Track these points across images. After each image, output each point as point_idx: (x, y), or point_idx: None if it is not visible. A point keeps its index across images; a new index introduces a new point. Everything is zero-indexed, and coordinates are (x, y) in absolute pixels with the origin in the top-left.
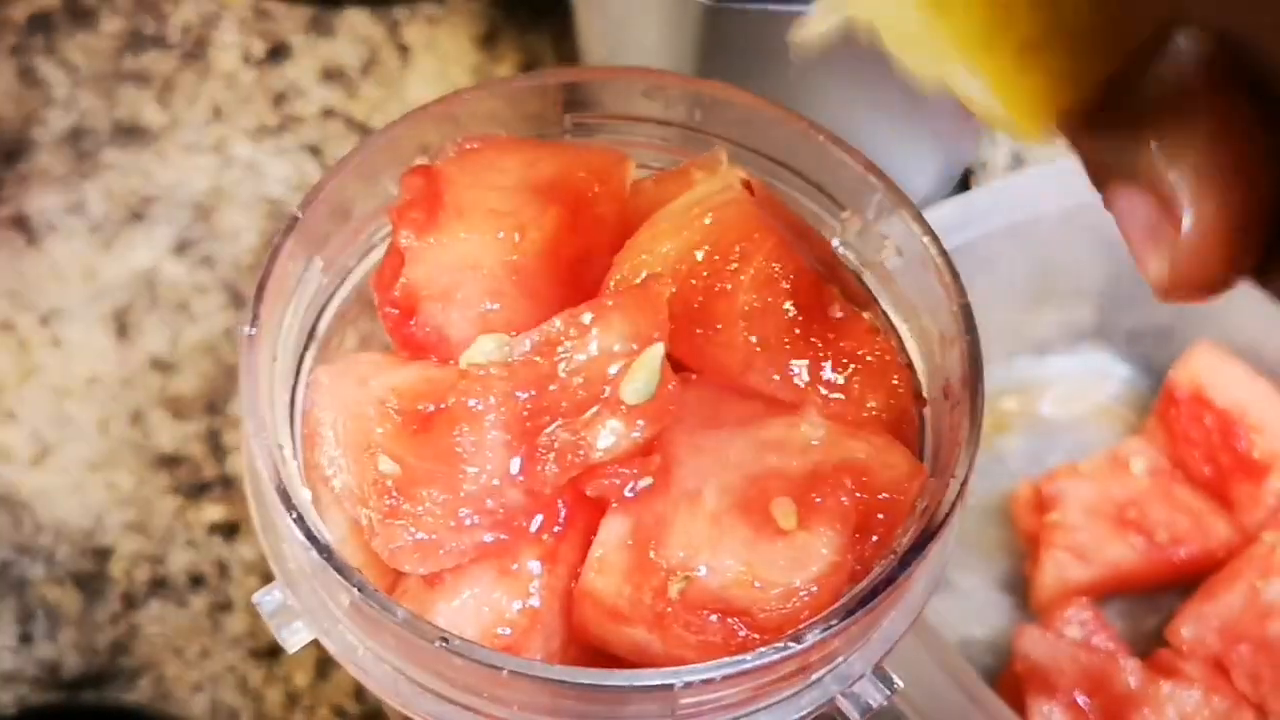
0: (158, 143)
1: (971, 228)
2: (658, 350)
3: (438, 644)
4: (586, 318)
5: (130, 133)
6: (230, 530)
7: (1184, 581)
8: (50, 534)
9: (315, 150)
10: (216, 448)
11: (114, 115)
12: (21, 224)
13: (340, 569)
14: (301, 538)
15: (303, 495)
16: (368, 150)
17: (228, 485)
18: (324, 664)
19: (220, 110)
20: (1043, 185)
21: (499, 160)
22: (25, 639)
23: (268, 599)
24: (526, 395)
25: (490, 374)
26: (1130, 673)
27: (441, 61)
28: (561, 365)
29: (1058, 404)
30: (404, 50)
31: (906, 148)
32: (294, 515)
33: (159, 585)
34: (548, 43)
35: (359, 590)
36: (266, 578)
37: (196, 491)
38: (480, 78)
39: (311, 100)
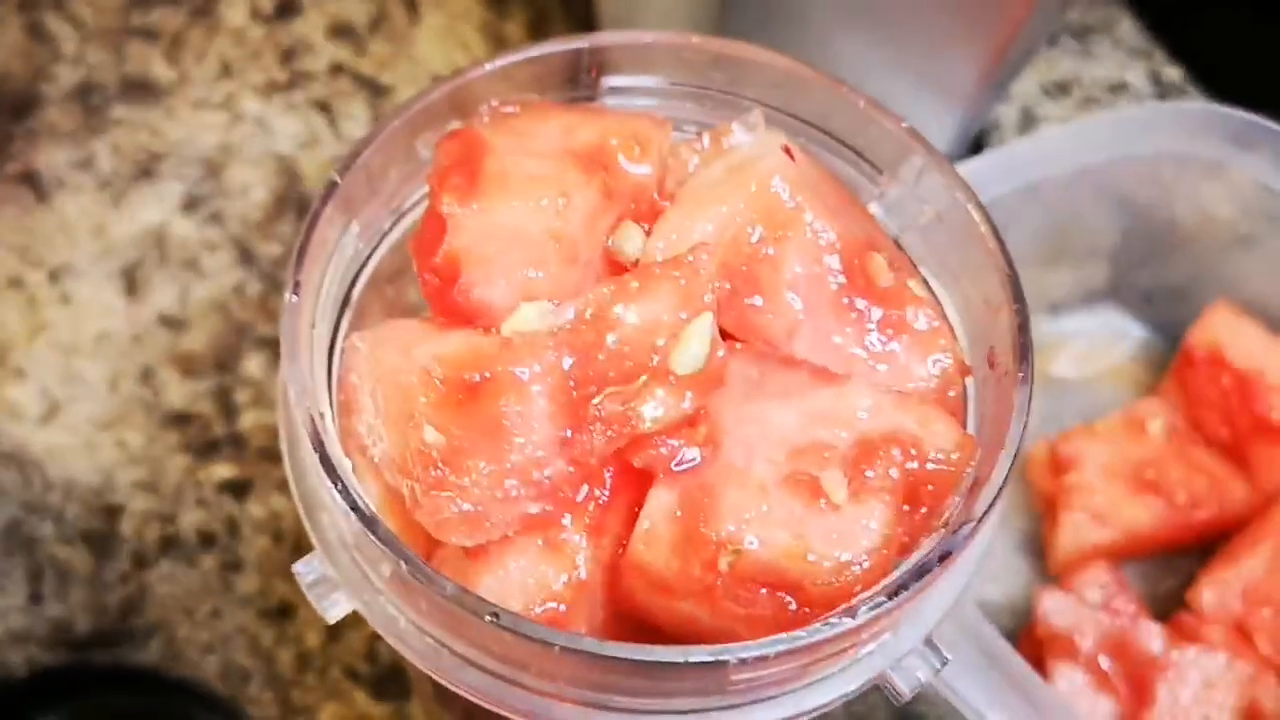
0: (167, 99)
1: (985, 189)
2: (707, 319)
3: (487, 619)
4: (634, 285)
5: (139, 88)
6: (241, 489)
7: (1201, 544)
8: (60, 492)
9: (324, 107)
10: (227, 406)
11: (123, 71)
12: (30, 180)
13: (385, 540)
14: (345, 507)
15: (345, 464)
16: (404, 114)
17: (238, 444)
18: (335, 625)
19: (229, 66)
20: (1056, 145)
21: (537, 126)
22: (35, 598)
23: (307, 569)
24: (573, 364)
25: (537, 342)
26: (1153, 637)
27: (450, 18)
28: (609, 334)
29: (1072, 364)
30: (413, 6)
31: (924, 107)
32: (338, 485)
33: (169, 544)
34: (556, 2)
35: (404, 563)
36: (277, 537)
37: (207, 450)
38: (489, 35)
39: (320, 56)
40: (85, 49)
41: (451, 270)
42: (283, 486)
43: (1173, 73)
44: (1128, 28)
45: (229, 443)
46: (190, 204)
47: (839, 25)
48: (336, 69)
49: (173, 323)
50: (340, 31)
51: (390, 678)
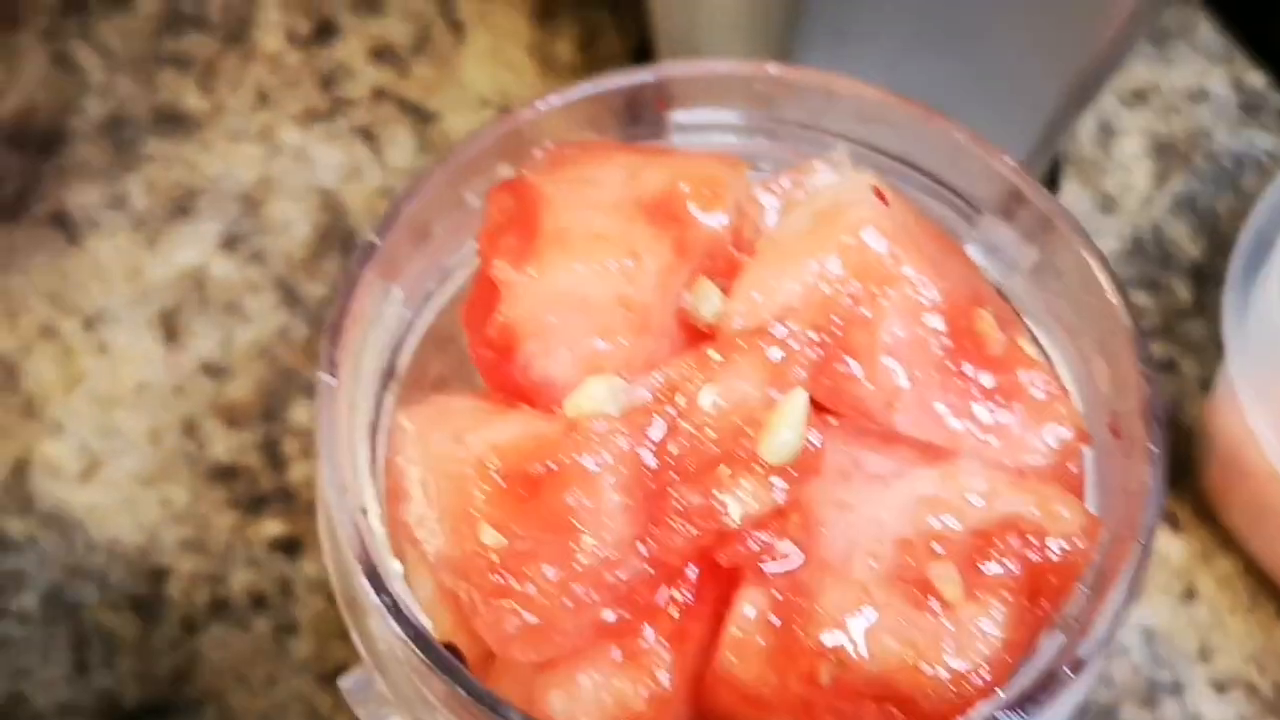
0: (201, 131)
1: None
2: (800, 399)
3: None
4: (717, 360)
5: (172, 120)
6: (292, 546)
7: None
8: (103, 554)
9: (367, 134)
10: (275, 457)
11: (154, 102)
12: (61, 221)
13: (441, 664)
14: (395, 628)
15: (393, 568)
16: (449, 166)
17: (288, 498)
18: None
19: (266, 95)
20: None
21: (597, 172)
22: (81, 668)
23: (355, 684)
24: (649, 451)
25: (606, 427)
26: None
27: (497, 38)
28: (688, 415)
29: None
30: (457, 27)
31: (1002, 125)
32: (385, 601)
33: (219, 607)
34: (608, 17)
35: (463, 688)
36: (331, 598)
37: (255, 505)
38: (538, 55)
39: (361, 81)
40: (114, 79)
41: (507, 343)
42: None
43: (1256, 78)
44: (1206, 31)
45: (278, 497)
46: (229, 242)
47: (915, 42)
48: (379, 94)
49: (215, 370)
50: (381, 54)
51: None
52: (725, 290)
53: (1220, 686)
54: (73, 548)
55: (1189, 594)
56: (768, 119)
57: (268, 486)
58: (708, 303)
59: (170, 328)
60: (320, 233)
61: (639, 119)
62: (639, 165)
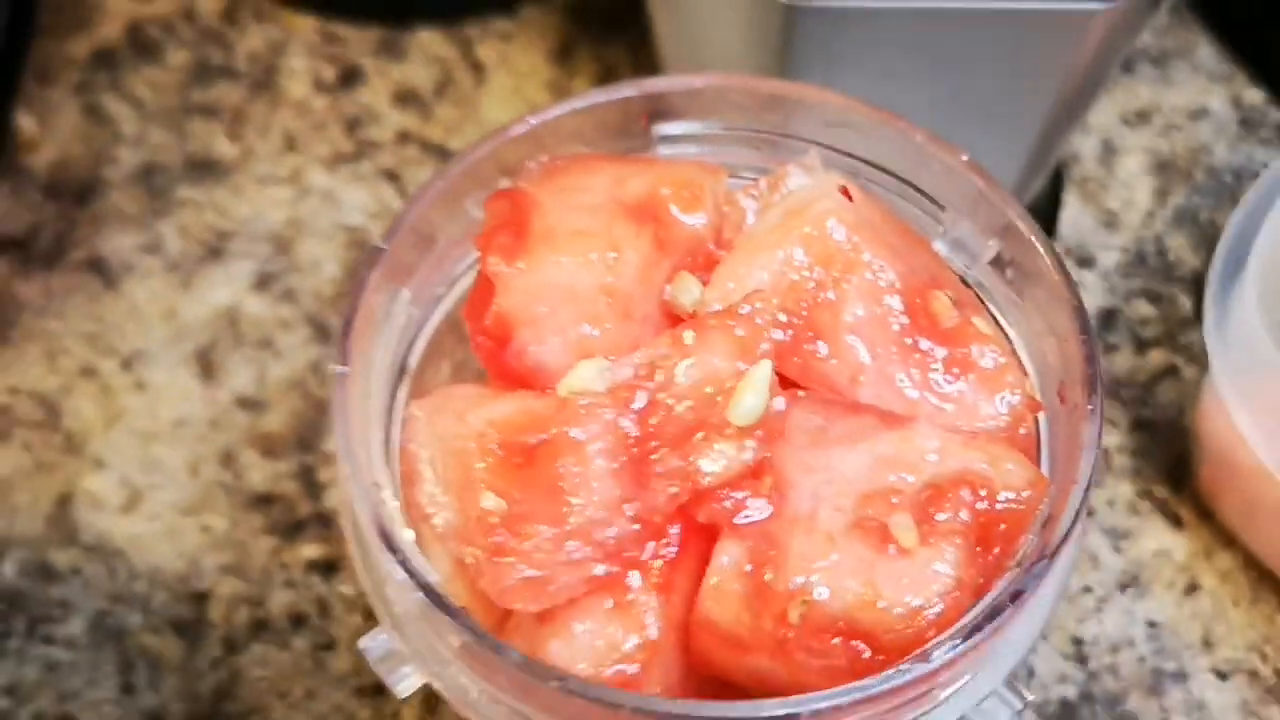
0: (232, 176)
1: None
2: (765, 369)
3: (555, 685)
4: (689, 338)
5: (203, 167)
6: (329, 568)
7: None
8: (145, 581)
9: (393, 176)
10: (310, 485)
11: (185, 150)
12: (97, 266)
13: (449, 611)
14: (407, 581)
15: (405, 536)
16: (448, 176)
17: (324, 522)
18: (432, 699)
19: (293, 139)
20: None
21: (585, 179)
22: (127, 689)
23: (374, 644)
24: (631, 422)
25: (592, 402)
26: None
27: (516, 78)
28: (666, 390)
29: None
30: (478, 69)
31: (993, 142)
32: (398, 558)
33: (260, 627)
34: (624, 55)
35: (470, 633)
36: (368, 615)
37: (292, 530)
38: (556, 93)
39: (386, 125)
40: (146, 129)
41: (503, 331)
42: None
43: (1254, 95)
44: (1206, 52)
45: (315, 522)
46: (261, 282)
47: (904, 70)
48: (403, 136)
49: (250, 404)
50: (405, 98)
51: None
52: (705, 284)
53: (1223, 675)
54: (116, 576)
55: (1191, 588)
56: (746, 129)
57: (304, 512)
58: (688, 293)
59: (206, 365)
60: (349, 270)
61: (626, 132)
62: (625, 173)
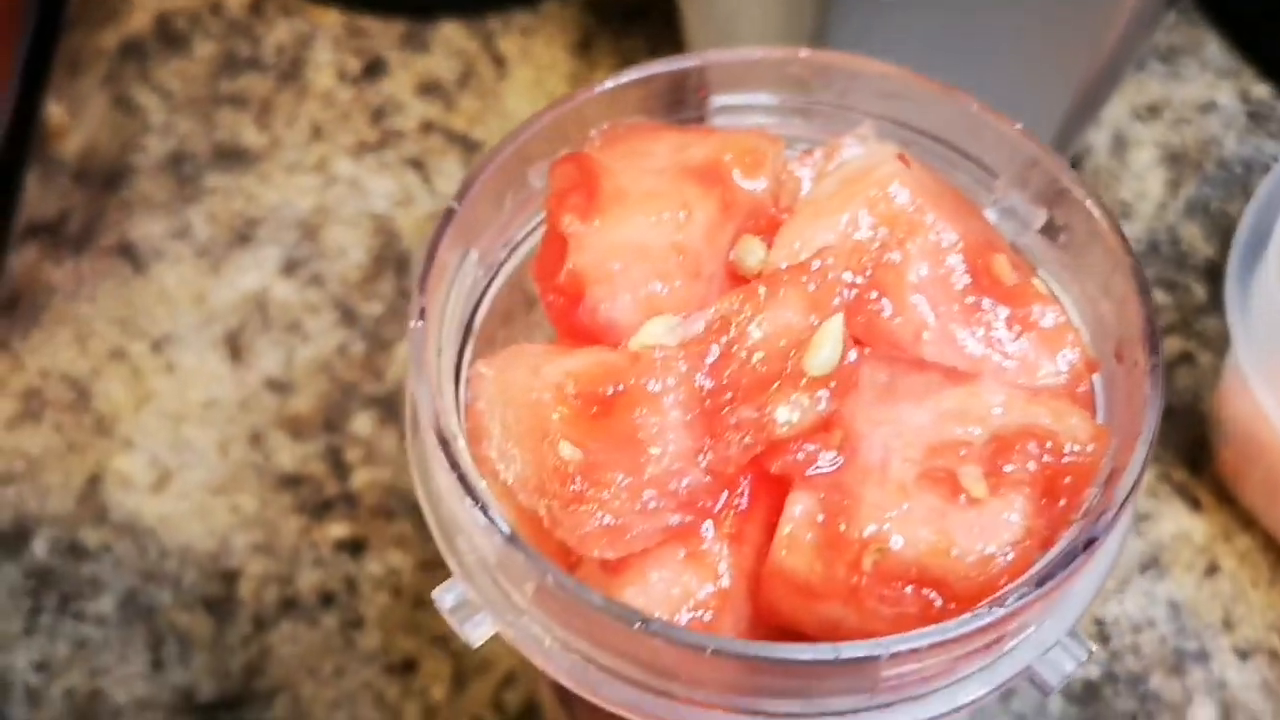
0: (259, 164)
1: None
2: (838, 321)
3: (637, 627)
4: (762, 292)
5: (231, 156)
6: (357, 547)
7: None
8: (176, 559)
9: (417, 164)
10: (338, 465)
11: (213, 139)
12: (127, 252)
13: (528, 554)
14: (485, 526)
15: (481, 483)
16: (517, 140)
17: (351, 503)
18: (460, 676)
19: (320, 129)
20: None
21: (648, 146)
22: (157, 665)
23: (447, 595)
24: (705, 374)
25: (667, 355)
26: None
27: (538, 71)
28: (740, 343)
29: None
30: (500, 61)
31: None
32: (477, 504)
33: (289, 605)
34: (643, 47)
35: (549, 575)
36: (396, 593)
37: (321, 510)
38: (577, 84)
39: (410, 115)
40: (174, 119)
41: (576, 289)
42: (400, 543)
43: (1262, 90)
44: (1215, 48)
45: (343, 502)
46: (289, 267)
47: (930, 59)
48: (427, 126)
49: (279, 386)
50: (428, 89)
51: None
52: (769, 247)
53: (1244, 654)
54: (146, 554)
55: (1212, 569)
56: (801, 101)
57: (332, 492)
58: (753, 255)
59: (235, 347)
60: (374, 256)
61: (683, 103)
62: (687, 141)
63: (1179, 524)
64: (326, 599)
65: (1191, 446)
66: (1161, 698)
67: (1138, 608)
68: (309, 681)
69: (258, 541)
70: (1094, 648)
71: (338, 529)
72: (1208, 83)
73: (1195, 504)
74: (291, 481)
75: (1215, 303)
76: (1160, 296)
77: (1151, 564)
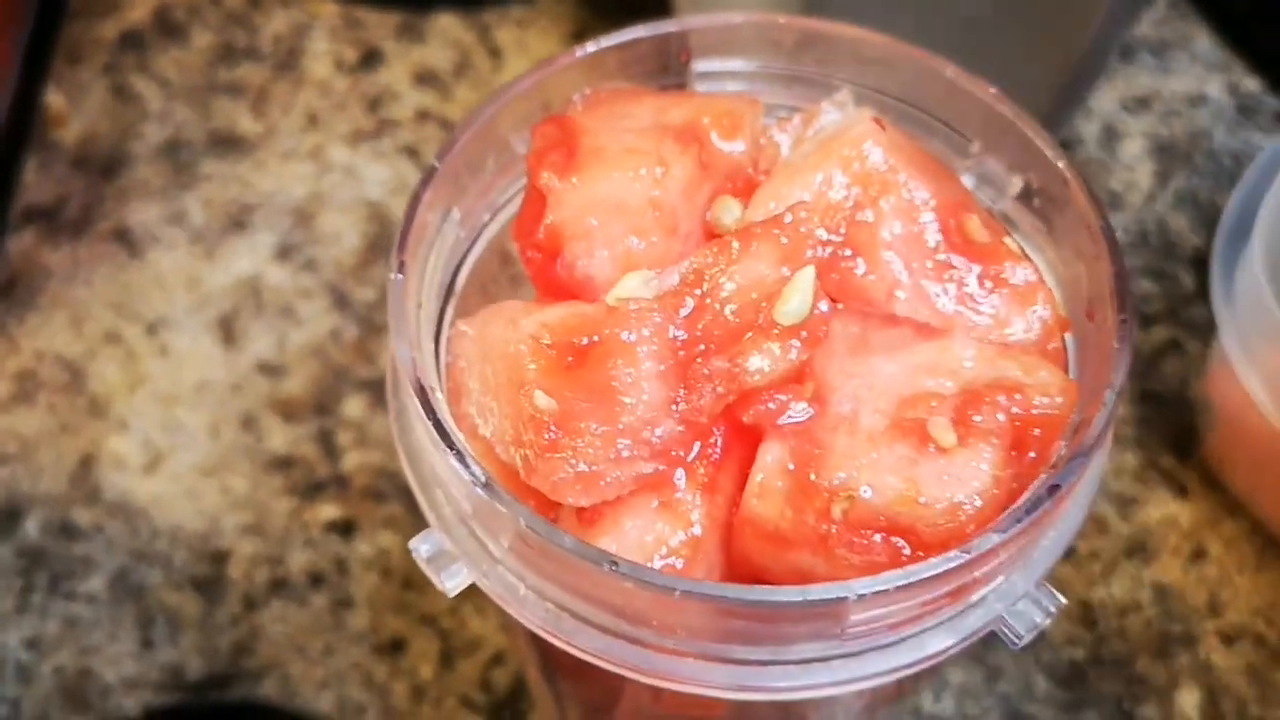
0: (255, 152)
1: None
2: (809, 272)
3: (608, 568)
4: (735, 245)
5: (227, 143)
6: (347, 528)
7: None
8: (166, 539)
9: (412, 152)
10: (329, 447)
11: (209, 127)
12: (123, 237)
13: (503, 500)
14: (462, 473)
15: (459, 435)
16: (498, 102)
17: (342, 484)
18: (448, 655)
19: (315, 117)
20: None
21: (629, 108)
22: (147, 644)
23: (424, 545)
24: (678, 325)
25: (641, 307)
26: None
27: (533, 62)
28: (713, 294)
29: None
30: (495, 53)
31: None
32: (454, 452)
33: (279, 585)
34: None
35: (523, 519)
36: (386, 573)
37: (311, 491)
38: None
39: (405, 104)
40: (171, 107)
41: (554, 244)
42: (390, 524)
43: (1251, 84)
44: (1205, 42)
45: (333, 483)
46: (283, 253)
47: (925, 29)
48: (422, 115)
49: (271, 369)
50: (424, 79)
51: (506, 704)
52: (745, 208)
53: (1229, 639)
54: (138, 534)
55: (1198, 554)
56: (781, 67)
57: (323, 474)
58: (729, 213)
59: (228, 331)
60: (368, 242)
61: (665, 69)
62: (667, 103)
63: (1166, 509)
64: (316, 579)
65: (1179, 433)
66: (1147, 681)
67: (1124, 591)
68: (298, 660)
69: (248, 522)
70: (1063, 600)
71: (328, 510)
72: (1197, 76)
73: (1182, 490)
74: (283, 463)
75: (1203, 292)
76: (1148, 285)
77: (1138, 549)
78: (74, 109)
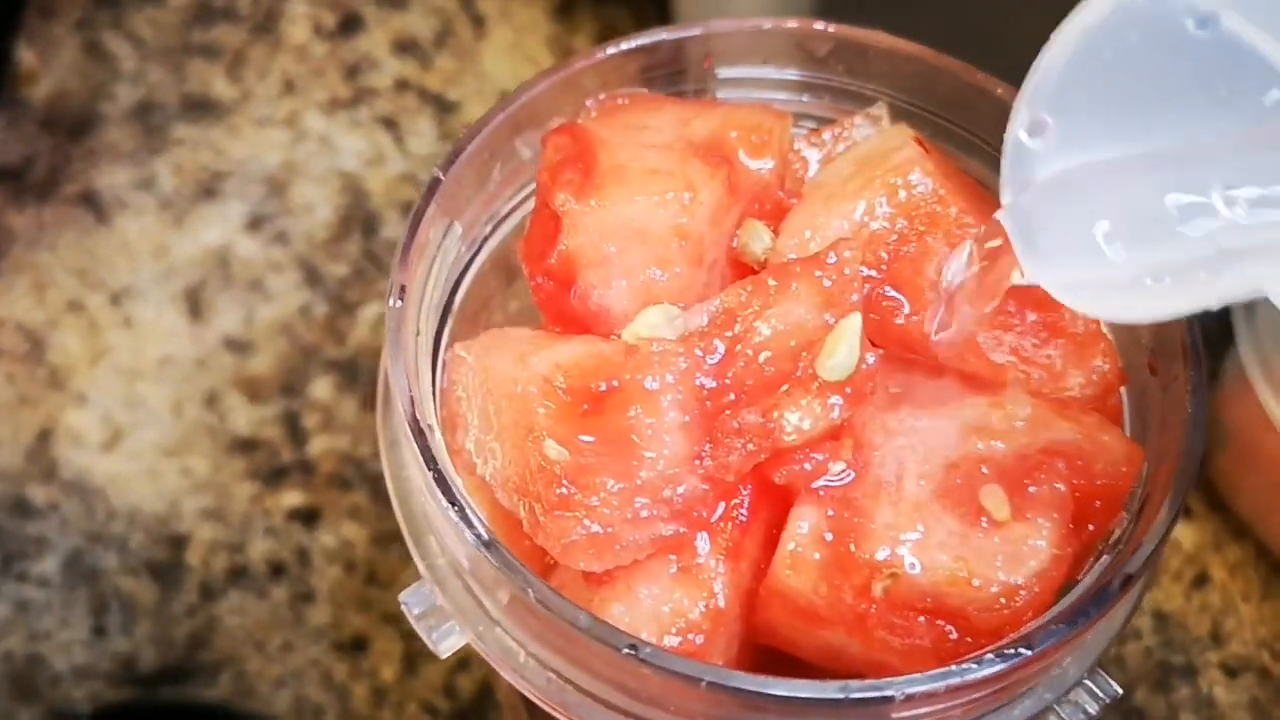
0: (229, 117)
1: None
2: (855, 321)
3: (626, 652)
4: (773, 285)
5: (200, 107)
6: (310, 517)
7: None
8: (123, 521)
9: (390, 123)
10: (294, 430)
11: (183, 89)
12: (90, 200)
13: (510, 565)
14: (464, 530)
15: (458, 481)
16: (507, 109)
17: (307, 470)
18: (411, 657)
19: (292, 83)
20: None
21: (648, 118)
22: (99, 632)
23: (415, 598)
24: (706, 372)
25: (666, 349)
26: None
27: (517, 32)
28: (745, 339)
29: None
30: (478, 21)
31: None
32: (454, 505)
33: (238, 575)
34: (625, 12)
35: (530, 589)
36: (349, 567)
37: (275, 476)
38: (556, 48)
39: (385, 72)
40: (145, 67)
41: (567, 272)
42: (354, 514)
43: None
44: None
45: (298, 469)
46: (254, 223)
47: (933, 22)
48: (402, 85)
49: (238, 345)
50: (405, 47)
51: (470, 712)
52: (774, 233)
53: (1232, 671)
54: (94, 515)
55: (1201, 580)
56: (810, 75)
57: (287, 459)
58: (758, 241)
59: (194, 304)
60: (342, 215)
61: (684, 74)
62: (689, 114)
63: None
64: (277, 570)
65: None
66: (1145, 714)
67: None
68: (255, 656)
69: (208, 506)
70: (1119, 690)
71: (291, 497)
72: None
73: (1185, 510)
74: (246, 445)
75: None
76: None
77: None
78: (45, 66)
